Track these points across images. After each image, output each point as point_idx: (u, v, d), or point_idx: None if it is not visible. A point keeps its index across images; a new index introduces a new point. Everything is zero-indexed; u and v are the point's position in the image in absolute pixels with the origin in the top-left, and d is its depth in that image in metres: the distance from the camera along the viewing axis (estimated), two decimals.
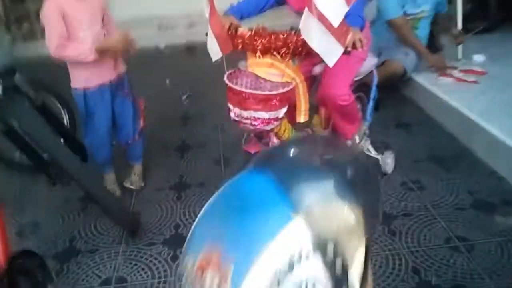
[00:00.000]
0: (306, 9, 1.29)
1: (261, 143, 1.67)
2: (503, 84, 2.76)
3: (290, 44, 1.45)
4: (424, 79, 2.98)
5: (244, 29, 1.61)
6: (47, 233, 2.05)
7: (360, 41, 1.44)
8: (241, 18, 1.75)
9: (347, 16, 1.29)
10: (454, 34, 3.19)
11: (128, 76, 2.22)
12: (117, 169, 2.33)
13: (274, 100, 1.49)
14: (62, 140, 1.95)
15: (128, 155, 2.34)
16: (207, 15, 1.56)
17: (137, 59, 4.61)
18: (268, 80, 1.56)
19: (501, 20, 3.86)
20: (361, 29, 1.60)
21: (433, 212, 1.96)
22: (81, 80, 2.03)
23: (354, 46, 1.44)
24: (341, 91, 1.77)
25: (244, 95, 1.48)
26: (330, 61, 1.34)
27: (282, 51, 1.49)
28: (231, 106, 1.56)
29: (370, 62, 2.04)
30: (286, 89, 1.52)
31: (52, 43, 1.89)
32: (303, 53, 1.48)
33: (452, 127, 2.60)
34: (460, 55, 3.23)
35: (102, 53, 1.95)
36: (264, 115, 1.51)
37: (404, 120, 2.83)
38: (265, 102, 1.49)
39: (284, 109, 1.55)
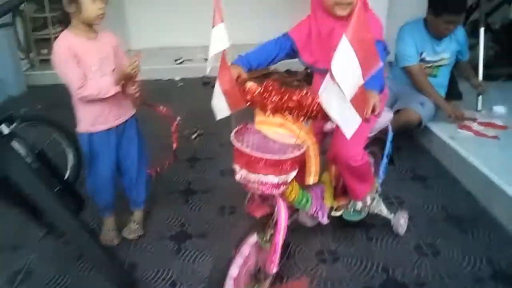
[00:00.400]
0: (328, 74, 1.20)
1: (267, 205, 1.57)
2: None
3: (304, 106, 1.37)
4: (441, 131, 2.87)
5: (253, 84, 1.53)
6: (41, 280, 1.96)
7: (376, 106, 1.35)
8: (249, 69, 1.67)
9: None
10: (475, 84, 3.10)
11: (137, 118, 2.16)
12: (119, 212, 2.25)
13: (285, 164, 1.40)
14: (59, 188, 1.88)
15: (130, 200, 2.26)
16: (209, 68, 1.49)
17: (150, 92, 4.62)
18: (277, 141, 1.47)
19: None
20: (380, 91, 1.52)
21: (448, 283, 1.83)
22: (86, 124, 1.98)
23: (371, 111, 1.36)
24: (353, 152, 1.68)
25: (252, 158, 1.39)
26: (348, 132, 1.25)
27: (295, 112, 1.40)
28: (237, 168, 1.46)
29: (385, 118, 1.94)
30: (298, 153, 1.42)
31: (74, 87, 1.85)
32: (318, 116, 1.38)
33: (470, 185, 2.48)
34: (480, 106, 3.12)
35: (120, 82, 1.90)
36: (273, 179, 1.41)
37: (419, 172, 2.72)
38: (275, 166, 1.39)
39: (294, 173, 1.45)
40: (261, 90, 1.45)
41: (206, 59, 4.33)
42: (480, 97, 3.12)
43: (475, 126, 2.87)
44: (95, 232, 2.12)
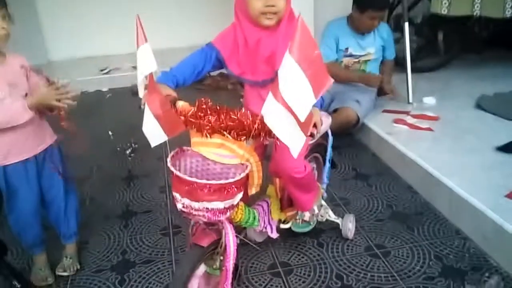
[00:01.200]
0: (271, 93, 1.11)
1: (213, 230, 1.46)
2: (456, 131, 2.74)
3: (245, 125, 1.27)
4: (378, 126, 2.91)
5: (184, 104, 1.41)
6: None
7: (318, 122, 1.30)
8: (177, 86, 1.54)
9: None
10: (387, 88, 3.17)
11: (59, 146, 1.95)
12: (50, 248, 2.04)
13: (230, 188, 1.30)
14: None
15: (60, 234, 2.05)
16: (141, 91, 1.36)
17: (75, 106, 4.32)
18: (217, 162, 1.36)
19: (448, 58, 3.93)
20: (321, 107, 1.46)
21: (402, 284, 1.82)
22: (0, 155, 1.76)
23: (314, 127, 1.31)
24: (295, 164, 1.60)
25: (195, 185, 1.26)
26: (295, 151, 1.17)
27: (235, 131, 1.30)
28: (178, 196, 1.33)
29: (325, 123, 1.90)
30: (243, 174, 1.32)
31: None
32: (260, 135, 1.29)
33: (411, 180, 2.52)
34: (411, 99, 3.20)
35: (38, 109, 1.70)
36: (219, 205, 1.31)
37: (361, 170, 2.73)
38: (221, 191, 1.29)
39: (240, 195, 1.36)
40: (195, 110, 1.33)
41: (134, 67, 4.11)
42: (410, 89, 3.20)
43: (408, 119, 2.94)
44: (22, 274, 1.90)
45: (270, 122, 1.14)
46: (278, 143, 1.28)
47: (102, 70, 4.76)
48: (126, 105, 4.05)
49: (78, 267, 2.04)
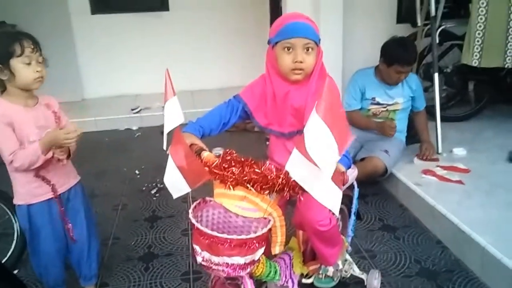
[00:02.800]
0: (296, 149, 1.11)
1: (232, 286, 1.43)
2: (488, 185, 2.64)
3: (269, 180, 1.26)
4: (406, 176, 2.84)
5: (209, 154, 1.41)
6: None
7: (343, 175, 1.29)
8: (202, 136, 1.56)
9: None
10: (424, 142, 3.12)
11: (83, 187, 1.98)
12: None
13: (252, 243, 1.28)
14: None
15: (80, 276, 2.04)
16: (166, 144, 1.37)
17: (105, 143, 4.44)
18: (239, 215, 1.35)
19: (478, 108, 3.86)
20: (348, 167, 1.45)
21: None
22: (24, 194, 1.79)
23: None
24: (320, 217, 1.57)
25: (215, 239, 1.25)
26: (332, 206, 1.15)
27: (259, 185, 1.29)
28: (198, 249, 1.32)
29: (351, 175, 1.88)
30: (265, 229, 1.30)
31: (8, 159, 1.67)
32: (284, 190, 1.27)
33: (441, 234, 2.42)
34: (440, 149, 3.13)
35: (48, 150, 1.70)
36: (240, 260, 1.28)
37: (389, 222, 2.65)
38: (241, 246, 1.27)
39: (262, 250, 1.33)
40: (219, 161, 1.33)
41: (163, 107, 4.18)
42: (439, 140, 3.14)
43: (438, 170, 2.86)
44: None
45: (296, 177, 1.13)
46: (302, 198, 1.26)
47: (133, 110, 4.88)
48: (154, 144, 4.11)
49: None
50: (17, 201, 1.81)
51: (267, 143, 1.80)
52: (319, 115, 1.07)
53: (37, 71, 1.69)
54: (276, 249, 1.44)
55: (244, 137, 4.18)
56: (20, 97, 1.72)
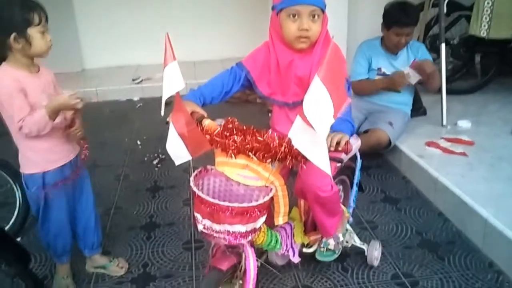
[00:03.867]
0: (299, 116, 1.09)
1: (233, 253, 1.42)
2: (492, 158, 2.62)
3: (271, 148, 1.24)
4: (409, 149, 2.82)
5: (210, 122, 1.38)
6: None
7: (346, 144, 1.26)
8: (203, 104, 1.53)
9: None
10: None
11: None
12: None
13: (253, 211, 1.26)
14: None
15: (86, 245, 2.05)
16: (163, 109, 1.34)
17: (107, 114, 4.41)
18: (241, 184, 1.33)
19: (485, 81, 3.80)
20: (351, 134, 1.42)
21: None
22: (39, 162, 1.76)
23: (337, 148, 1.27)
24: (322, 182, 1.56)
25: (217, 207, 1.23)
26: (327, 169, 1.14)
27: (261, 153, 1.27)
28: (199, 217, 1.30)
29: (354, 144, 1.85)
30: (267, 198, 1.29)
31: (17, 125, 1.64)
32: (286, 158, 1.26)
33: (443, 206, 2.42)
34: (445, 121, 3.10)
35: (55, 114, 1.69)
36: (241, 228, 1.27)
37: (390, 194, 2.65)
38: (243, 214, 1.25)
39: (263, 219, 1.32)
40: (221, 129, 1.31)
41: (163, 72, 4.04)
42: (444, 112, 3.10)
43: (442, 142, 2.84)
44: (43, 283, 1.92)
45: (298, 144, 1.11)
46: (304, 166, 1.24)
47: (134, 80, 4.84)
48: (156, 115, 4.07)
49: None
50: (29, 169, 1.78)
51: (270, 114, 1.77)
52: (320, 78, 1.05)
53: (50, 40, 1.69)
54: (280, 220, 1.43)
55: (246, 109, 4.14)
56: (25, 65, 1.70)
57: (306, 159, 1.15)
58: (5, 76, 1.65)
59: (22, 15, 1.61)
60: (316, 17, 1.47)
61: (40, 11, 1.65)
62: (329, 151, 1.23)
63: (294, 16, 1.47)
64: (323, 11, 1.49)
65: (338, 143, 1.30)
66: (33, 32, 1.63)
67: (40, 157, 1.77)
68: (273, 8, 1.54)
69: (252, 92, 4.70)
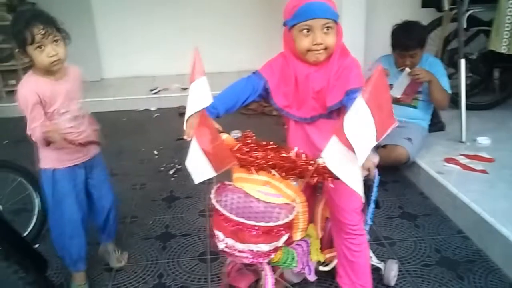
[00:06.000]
0: (335, 137, 1.09)
1: (250, 271, 1.40)
2: None
3: (298, 166, 1.22)
4: (428, 165, 2.79)
5: (228, 137, 1.35)
6: None
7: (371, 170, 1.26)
8: (217, 117, 1.48)
9: None
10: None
11: (101, 155, 2.04)
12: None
13: (278, 230, 1.24)
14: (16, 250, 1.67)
15: (103, 234, 2.16)
16: (186, 123, 1.31)
17: (124, 124, 4.45)
18: (261, 200, 1.32)
19: (503, 96, 3.75)
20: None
21: None
22: (51, 159, 1.83)
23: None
24: (354, 220, 1.63)
25: (241, 225, 1.20)
26: (361, 191, 1.13)
27: (283, 170, 1.25)
28: (220, 235, 1.25)
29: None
30: (291, 216, 1.26)
31: (28, 132, 1.73)
32: (313, 177, 1.23)
33: (462, 224, 2.38)
34: (464, 137, 3.06)
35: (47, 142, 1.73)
36: (265, 247, 1.23)
37: (408, 209, 2.61)
38: (268, 233, 1.22)
39: (286, 237, 1.29)
40: (241, 146, 1.29)
41: (182, 88, 4.17)
42: (464, 128, 3.07)
43: (461, 159, 2.80)
44: None
45: (331, 165, 1.10)
46: (332, 185, 1.23)
47: (151, 90, 4.88)
48: (172, 125, 4.12)
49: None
50: (43, 165, 1.86)
51: (285, 126, 1.75)
52: (364, 99, 1.03)
53: (52, 55, 1.69)
54: (297, 235, 1.41)
55: (262, 121, 4.15)
56: (46, 72, 1.75)
57: (334, 177, 1.13)
58: (26, 85, 1.72)
59: (18, 34, 1.66)
60: (329, 29, 1.44)
61: (33, 28, 1.65)
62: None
63: (308, 31, 1.44)
64: (336, 22, 1.46)
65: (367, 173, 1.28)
66: (29, 50, 1.68)
67: (53, 154, 1.82)
68: (284, 24, 1.51)
69: (268, 104, 4.71)
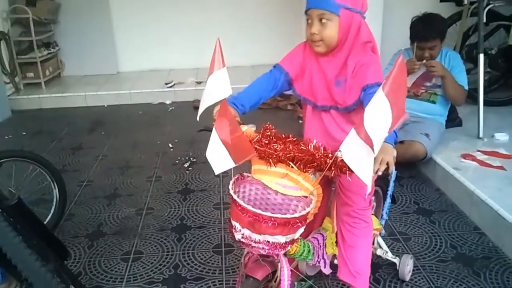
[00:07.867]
0: (354, 130, 1.09)
1: (267, 262, 1.41)
2: None
3: (317, 158, 1.22)
4: (444, 161, 2.76)
5: (248, 129, 1.36)
6: None
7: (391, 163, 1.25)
8: (244, 113, 1.49)
9: None
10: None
11: None
12: None
13: (295, 222, 1.24)
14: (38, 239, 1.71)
15: None
16: (200, 113, 1.32)
17: (139, 117, 4.48)
18: (279, 193, 1.33)
19: None
20: (394, 143, 1.40)
21: None
22: None
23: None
24: (359, 204, 1.61)
25: (258, 217, 1.21)
26: (368, 182, 1.13)
27: (302, 163, 1.25)
28: (237, 226, 1.27)
29: None
30: (308, 209, 1.27)
31: None
32: (332, 170, 1.23)
33: (479, 220, 2.36)
34: (481, 133, 3.03)
35: None
36: (281, 239, 1.25)
37: (424, 205, 2.60)
38: (285, 225, 1.23)
39: (302, 229, 1.30)
40: (260, 138, 1.30)
41: (197, 82, 4.16)
42: (481, 124, 3.03)
43: (478, 155, 2.77)
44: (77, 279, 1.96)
45: (349, 159, 1.11)
46: (349, 178, 1.23)
47: (167, 84, 4.91)
48: (188, 119, 4.15)
49: None
50: None
51: (300, 121, 1.75)
52: (384, 92, 1.04)
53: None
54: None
55: (276, 115, 4.15)
56: None
57: (351, 171, 1.14)
58: None
59: None
60: (325, 20, 1.41)
61: None
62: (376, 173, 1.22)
63: (309, 21, 1.44)
64: (336, 14, 1.40)
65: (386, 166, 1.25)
66: None
67: None
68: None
69: (283, 98, 4.72)
